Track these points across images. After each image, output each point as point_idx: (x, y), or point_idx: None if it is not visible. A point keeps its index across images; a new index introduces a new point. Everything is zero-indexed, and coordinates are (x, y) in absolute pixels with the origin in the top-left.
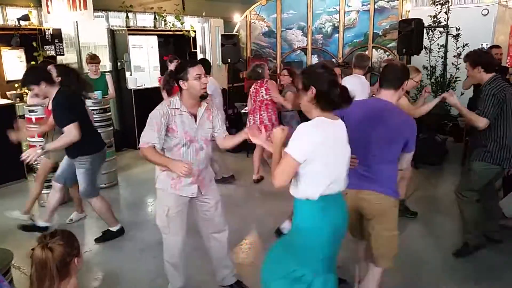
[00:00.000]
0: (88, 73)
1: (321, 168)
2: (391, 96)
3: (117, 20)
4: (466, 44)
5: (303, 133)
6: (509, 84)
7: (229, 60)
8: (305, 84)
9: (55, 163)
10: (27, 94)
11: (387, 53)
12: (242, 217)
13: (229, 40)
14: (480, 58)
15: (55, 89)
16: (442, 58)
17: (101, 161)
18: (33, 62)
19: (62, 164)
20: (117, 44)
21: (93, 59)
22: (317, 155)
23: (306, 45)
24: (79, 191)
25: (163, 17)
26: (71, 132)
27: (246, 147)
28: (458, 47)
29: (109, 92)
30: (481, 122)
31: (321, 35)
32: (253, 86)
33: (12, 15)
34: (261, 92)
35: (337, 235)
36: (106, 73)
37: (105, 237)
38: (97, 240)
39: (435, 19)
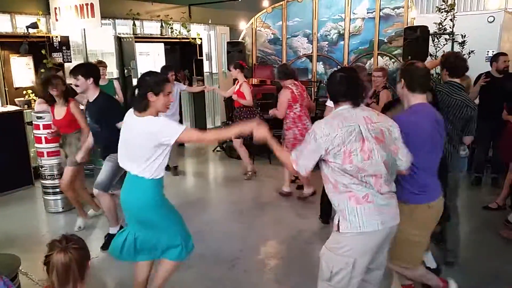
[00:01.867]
0: None
1: None
2: (425, 99)
3: (124, 27)
4: (472, 51)
5: None
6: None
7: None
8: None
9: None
10: (35, 101)
11: (392, 60)
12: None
13: (235, 48)
14: (445, 61)
15: (97, 91)
16: None
17: None
18: (42, 70)
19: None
20: (124, 51)
21: (100, 63)
22: None
23: (312, 52)
24: (96, 181)
25: (170, 24)
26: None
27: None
28: (464, 54)
29: (117, 98)
30: None
31: (327, 42)
32: (294, 86)
33: (21, 23)
34: (304, 95)
35: None
36: (113, 79)
37: (109, 242)
38: (104, 247)
39: (440, 26)
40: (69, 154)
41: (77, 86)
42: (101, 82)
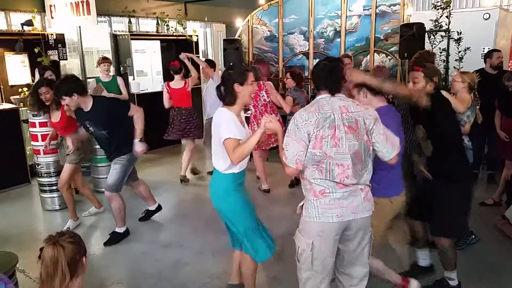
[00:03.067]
0: (99, 76)
1: None
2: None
3: (120, 25)
4: (468, 48)
5: None
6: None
7: (231, 64)
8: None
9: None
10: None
11: (389, 57)
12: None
13: (231, 45)
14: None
15: (89, 99)
16: (444, 62)
17: (134, 160)
18: (42, 60)
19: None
20: (120, 49)
21: (105, 59)
22: None
23: (308, 49)
24: (107, 184)
25: (166, 22)
26: (135, 107)
27: None
28: (460, 51)
29: (123, 93)
30: None
31: (323, 40)
32: None
33: (16, 20)
34: (262, 95)
35: None
36: (117, 76)
37: (113, 239)
38: (106, 243)
39: (436, 23)
40: (66, 153)
41: (68, 106)
42: (105, 79)
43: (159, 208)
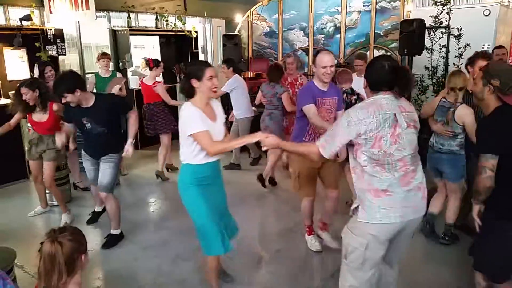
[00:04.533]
0: (98, 72)
1: None
2: None
3: (119, 20)
4: (468, 45)
5: None
6: None
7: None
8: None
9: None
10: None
11: (389, 53)
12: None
13: (231, 41)
14: None
15: (89, 95)
16: (443, 58)
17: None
18: (41, 56)
19: (91, 170)
20: (119, 44)
21: (105, 54)
22: None
23: (308, 45)
24: (102, 185)
25: (165, 17)
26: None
27: None
28: (460, 48)
29: (122, 90)
30: None
31: (323, 36)
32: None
33: (14, 15)
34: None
35: None
36: (116, 72)
37: (111, 242)
38: (105, 246)
39: (436, 19)
40: (44, 150)
41: (68, 102)
42: (105, 74)
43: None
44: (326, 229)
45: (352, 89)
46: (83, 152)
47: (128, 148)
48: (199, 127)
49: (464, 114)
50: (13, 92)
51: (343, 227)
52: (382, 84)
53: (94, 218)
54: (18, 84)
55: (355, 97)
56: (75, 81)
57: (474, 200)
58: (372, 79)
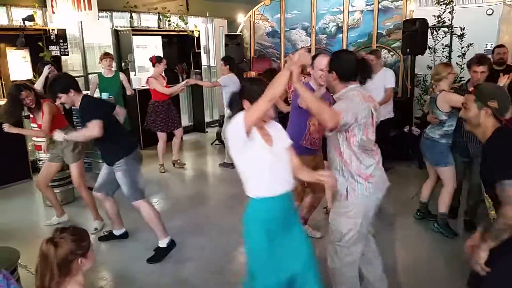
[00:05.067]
0: (101, 72)
1: None
2: None
3: (121, 20)
4: (471, 44)
5: None
6: None
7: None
8: None
9: (60, 166)
10: None
11: (391, 53)
12: None
13: (233, 40)
14: None
15: (80, 96)
16: (446, 58)
17: (137, 161)
18: (45, 55)
19: (101, 174)
20: (121, 44)
21: (107, 54)
22: None
23: (310, 45)
24: (126, 195)
25: (167, 17)
26: (94, 128)
27: None
28: (463, 47)
29: (127, 88)
30: None
31: (325, 35)
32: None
33: (17, 15)
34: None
35: None
36: (119, 72)
37: (158, 256)
38: (151, 260)
39: (439, 19)
40: (64, 151)
41: (63, 103)
42: (108, 74)
43: (125, 235)
44: (307, 223)
45: None
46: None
47: (57, 133)
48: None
49: (448, 100)
50: (3, 102)
51: (319, 219)
52: (352, 75)
53: (107, 237)
54: (8, 93)
55: None
56: (68, 81)
57: (491, 237)
58: (342, 71)
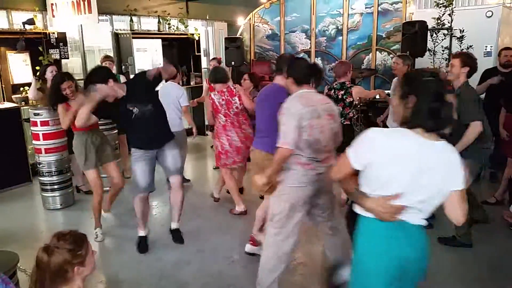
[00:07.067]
0: None
1: None
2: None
3: (121, 23)
4: (471, 46)
5: None
6: None
7: (232, 63)
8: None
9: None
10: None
11: (391, 55)
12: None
13: (233, 43)
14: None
15: (122, 84)
16: (446, 60)
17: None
18: (48, 57)
19: (148, 173)
20: (121, 47)
21: (108, 57)
22: None
23: (310, 47)
24: (177, 168)
25: (167, 20)
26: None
27: None
28: (463, 49)
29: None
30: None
31: (325, 38)
32: (217, 95)
33: (17, 19)
34: (234, 102)
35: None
36: (120, 74)
37: (181, 236)
38: (178, 241)
39: (439, 21)
40: (106, 150)
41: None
42: None
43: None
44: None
45: (341, 83)
46: (135, 153)
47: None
48: None
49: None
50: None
51: None
52: (306, 79)
53: (144, 246)
54: (52, 80)
55: (342, 92)
56: (107, 71)
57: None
58: (297, 75)
